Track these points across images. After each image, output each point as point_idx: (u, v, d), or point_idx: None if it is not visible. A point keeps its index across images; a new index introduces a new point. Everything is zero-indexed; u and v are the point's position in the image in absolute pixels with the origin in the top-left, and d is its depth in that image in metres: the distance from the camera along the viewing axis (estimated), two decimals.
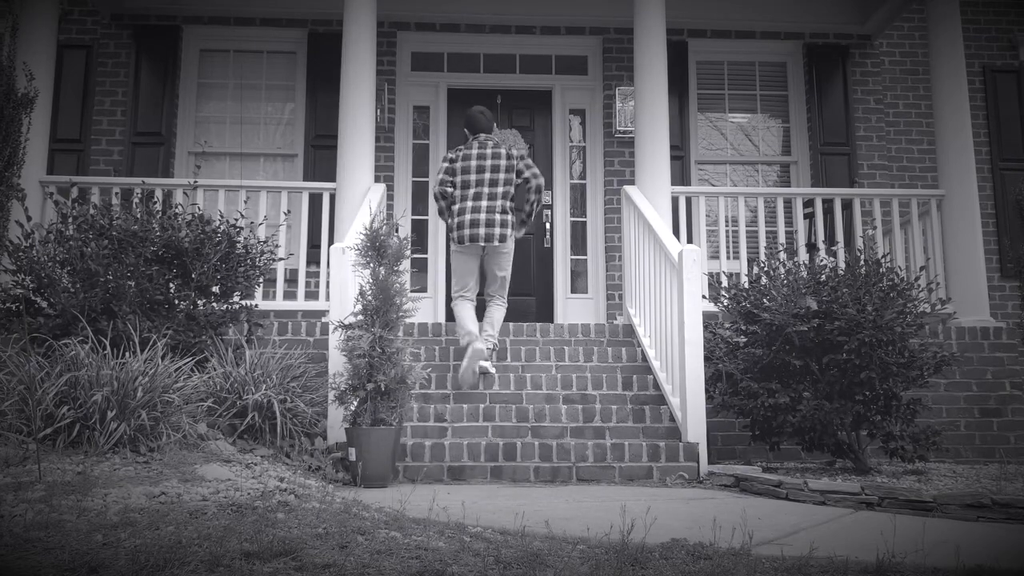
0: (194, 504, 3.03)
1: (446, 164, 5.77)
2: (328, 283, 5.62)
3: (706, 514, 3.38)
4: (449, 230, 5.78)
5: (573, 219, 7.92)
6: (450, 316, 7.24)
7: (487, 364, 5.46)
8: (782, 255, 5.69)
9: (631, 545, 2.56)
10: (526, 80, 8.07)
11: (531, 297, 7.81)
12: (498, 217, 5.62)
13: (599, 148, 7.93)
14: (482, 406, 5.16)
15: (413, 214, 7.79)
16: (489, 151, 5.71)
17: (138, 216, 5.31)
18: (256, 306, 5.60)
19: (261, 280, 5.63)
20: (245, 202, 6.18)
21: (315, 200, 6.61)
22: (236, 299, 5.36)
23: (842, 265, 5.88)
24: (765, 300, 5.01)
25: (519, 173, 5.72)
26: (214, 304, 5.23)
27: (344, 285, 5.03)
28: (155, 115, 7.61)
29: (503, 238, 5.61)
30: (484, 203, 5.62)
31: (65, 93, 7.51)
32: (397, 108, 7.84)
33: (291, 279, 6.83)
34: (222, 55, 7.98)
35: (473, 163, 5.70)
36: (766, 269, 5.23)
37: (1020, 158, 8.03)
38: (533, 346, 5.89)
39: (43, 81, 6.14)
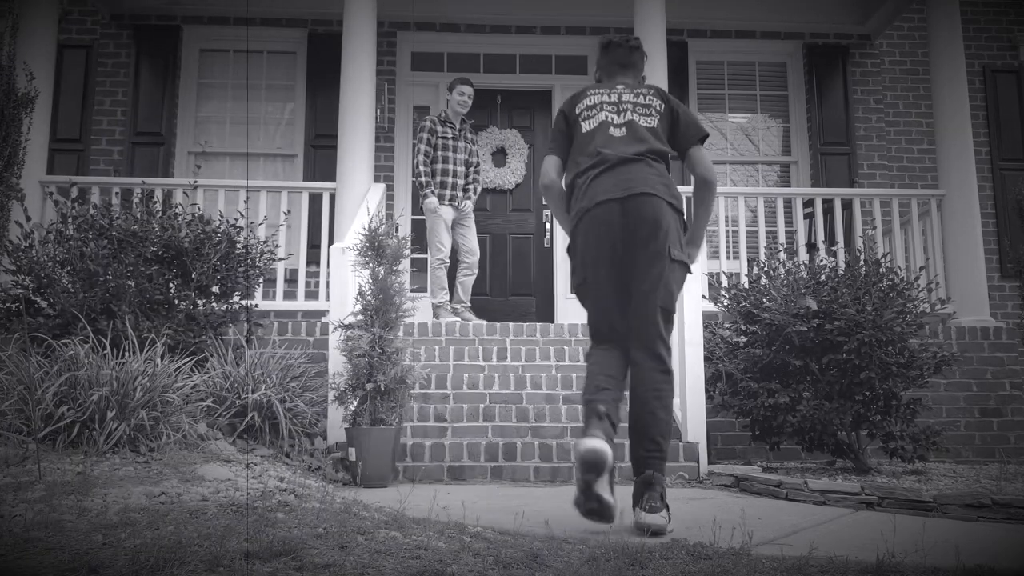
0: (194, 504, 3.03)
1: None
2: (328, 283, 5.63)
3: (706, 514, 3.37)
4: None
5: None
6: None
7: None
8: (782, 255, 5.69)
9: (631, 545, 2.56)
10: (526, 80, 8.07)
11: (531, 297, 7.81)
12: None
13: None
14: (482, 406, 5.16)
15: (413, 214, 7.79)
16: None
17: (138, 216, 5.31)
18: (256, 306, 5.60)
19: (261, 280, 5.63)
20: (245, 202, 6.18)
21: (315, 200, 6.61)
22: (236, 299, 5.36)
23: (842, 265, 5.87)
24: (765, 300, 5.01)
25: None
26: (214, 304, 5.23)
27: (344, 285, 5.03)
28: (155, 115, 7.61)
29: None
30: None
31: (65, 93, 7.52)
32: (397, 108, 7.85)
33: (291, 279, 6.83)
34: (222, 55, 7.98)
35: None
36: (766, 269, 5.23)
37: (1020, 158, 8.03)
38: (533, 346, 5.89)
39: (43, 81, 6.14)
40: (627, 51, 3.44)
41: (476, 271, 6.72)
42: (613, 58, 3.45)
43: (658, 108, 3.25)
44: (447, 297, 6.59)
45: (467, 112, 6.73)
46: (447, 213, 6.56)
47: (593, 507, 2.77)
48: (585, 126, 3.24)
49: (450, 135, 6.63)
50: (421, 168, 6.51)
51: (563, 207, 3.30)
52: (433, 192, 6.51)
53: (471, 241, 6.70)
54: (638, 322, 3.06)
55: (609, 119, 3.20)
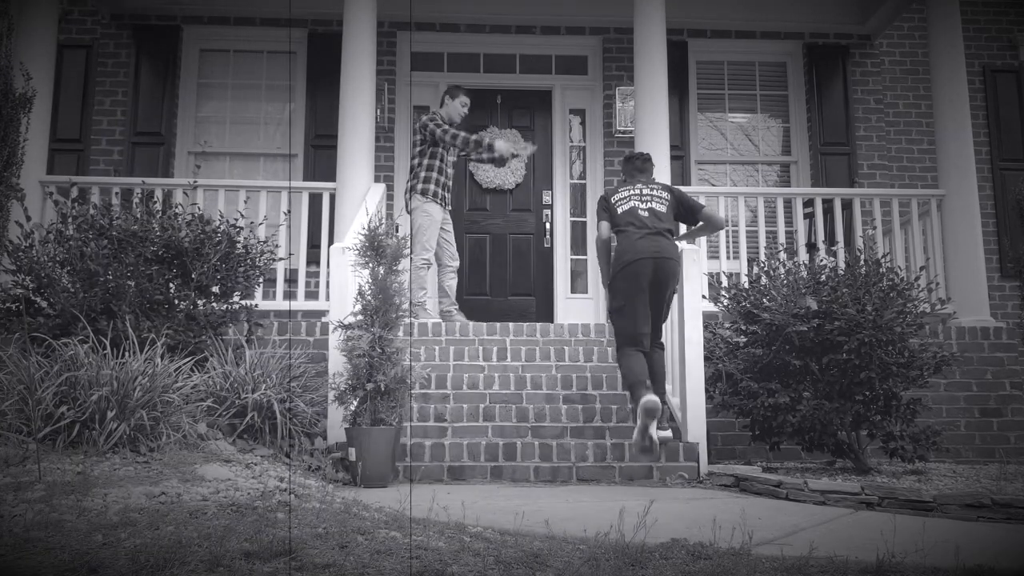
0: (194, 504, 3.03)
1: None
2: (328, 283, 5.62)
3: (706, 514, 3.37)
4: None
5: (573, 219, 7.91)
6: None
7: None
8: (782, 255, 5.69)
9: (631, 545, 2.56)
10: (526, 80, 8.07)
11: (531, 297, 7.81)
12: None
13: (599, 148, 7.92)
14: (482, 406, 5.16)
15: None
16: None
17: (138, 216, 5.31)
18: (256, 306, 5.60)
19: (261, 280, 5.63)
20: (245, 202, 6.18)
21: (315, 200, 6.60)
22: (236, 299, 5.35)
23: (842, 265, 5.87)
24: (765, 300, 5.01)
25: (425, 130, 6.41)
26: (214, 304, 5.23)
27: (344, 285, 5.03)
28: (155, 115, 7.61)
29: (405, 205, 6.57)
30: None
31: (65, 93, 7.51)
32: (397, 108, 7.84)
33: (291, 279, 6.82)
34: (222, 55, 7.98)
35: None
36: (766, 269, 5.23)
37: (1020, 158, 8.02)
38: (533, 346, 5.89)
39: (43, 81, 6.14)
40: (643, 161, 5.20)
41: (457, 275, 6.68)
42: (634, 167, 5.17)
43: (667, 198, 4.95)
44: (426, 296, 6.54)
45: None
46: (437, 213, 6.44)
47: (646, 445, 4.31)
48: (620, 208, 4.92)
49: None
50: (464, 136, 6.35)
51: (606, 256, 5.00)
52: (436, 190, 6.43)
53: (454, 246, 6.63)
54: (655, 328, 4.83)
55: (637, 205, 4.87)
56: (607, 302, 5.00)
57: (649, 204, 4.89)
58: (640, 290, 4.69)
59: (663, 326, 4.96)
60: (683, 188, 6.94)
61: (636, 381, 4.58)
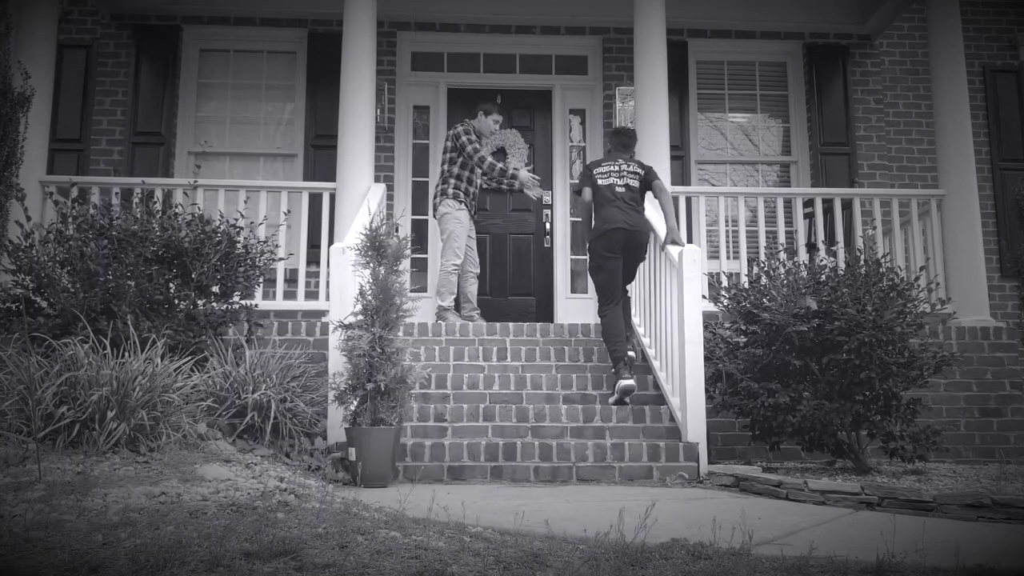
0: (194, 504, 3.03)
1: None
2: (328, 283, 5.62)
3: (706, 514, 3.38)
4: None
5: (573, 219, 7.91)
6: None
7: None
8: (782, 255, 5.69)
9: (631, 545, 2.56)
10: (526, 80, 8.07)
11: (531, 297, 7.81)
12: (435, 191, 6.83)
13: (599, 148, 7.92)
14: (482, 406, 5.16)
15: (413, 214, 7.79)
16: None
17: (138, 216, 5.31)
18: (256, 306, 5.60)
19: (261, 280, 5.63)
20: (245, 202, 6.18)
21: (315, 200, 6.60)
22: (236, 299, 5.36)
23: (842, 265, 5.87)
24: (765, 300, 5.01)
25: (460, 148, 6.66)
26: (214, 304, 5.23)
27: (344, 285, 5.03)
28: (155, 115, 7.61)
29: (434, 208, 6.75)
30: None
31: (65, 93, 7.51)
32: (397, 108, 7.84)
33: (291, 279, 6.82)
34: (222, 55, 7.97)
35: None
36: (766, 269, 5.23)
37: (1020, 158, 8.02)
38: (533, 346, 5.89)
39: (43, 81, 6.14)
40: (628, 138, 5.88)
41: (443, 269, 6.74)
42: (620, 141, 5.84)
43: (639, 172, 5.67)
44: (454, 303, 6.63)
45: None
46: (466, 219, 6.68)
47: (624, 402, 5.29)
48: (601, 181, 5.64)
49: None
50: (491, 161, 6.64)
51: (589, 218, 5.78)
52: (462, 196, 6.66)
53: (475, 252, 6.85)
54: (624, 288, 5.68)
55: (615, 181, 5.61)
56: (588, 262, 5.79)
57: (625, 180, 5.61)
58: (614, 253, 5.50)
59: (631, 285, 5.83)
60: (683, 188, 7.04)
61: (616, 356, 5.35)
